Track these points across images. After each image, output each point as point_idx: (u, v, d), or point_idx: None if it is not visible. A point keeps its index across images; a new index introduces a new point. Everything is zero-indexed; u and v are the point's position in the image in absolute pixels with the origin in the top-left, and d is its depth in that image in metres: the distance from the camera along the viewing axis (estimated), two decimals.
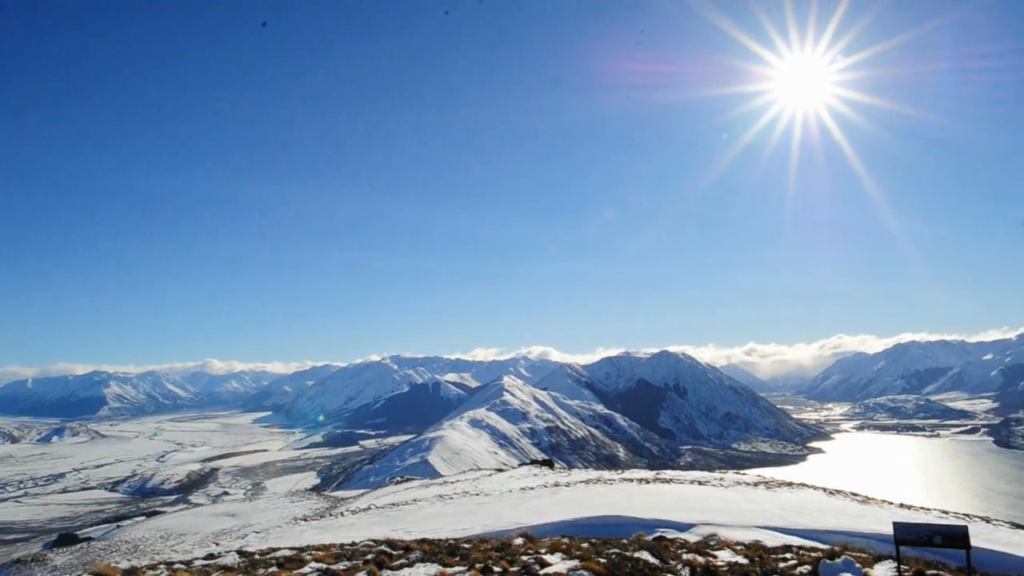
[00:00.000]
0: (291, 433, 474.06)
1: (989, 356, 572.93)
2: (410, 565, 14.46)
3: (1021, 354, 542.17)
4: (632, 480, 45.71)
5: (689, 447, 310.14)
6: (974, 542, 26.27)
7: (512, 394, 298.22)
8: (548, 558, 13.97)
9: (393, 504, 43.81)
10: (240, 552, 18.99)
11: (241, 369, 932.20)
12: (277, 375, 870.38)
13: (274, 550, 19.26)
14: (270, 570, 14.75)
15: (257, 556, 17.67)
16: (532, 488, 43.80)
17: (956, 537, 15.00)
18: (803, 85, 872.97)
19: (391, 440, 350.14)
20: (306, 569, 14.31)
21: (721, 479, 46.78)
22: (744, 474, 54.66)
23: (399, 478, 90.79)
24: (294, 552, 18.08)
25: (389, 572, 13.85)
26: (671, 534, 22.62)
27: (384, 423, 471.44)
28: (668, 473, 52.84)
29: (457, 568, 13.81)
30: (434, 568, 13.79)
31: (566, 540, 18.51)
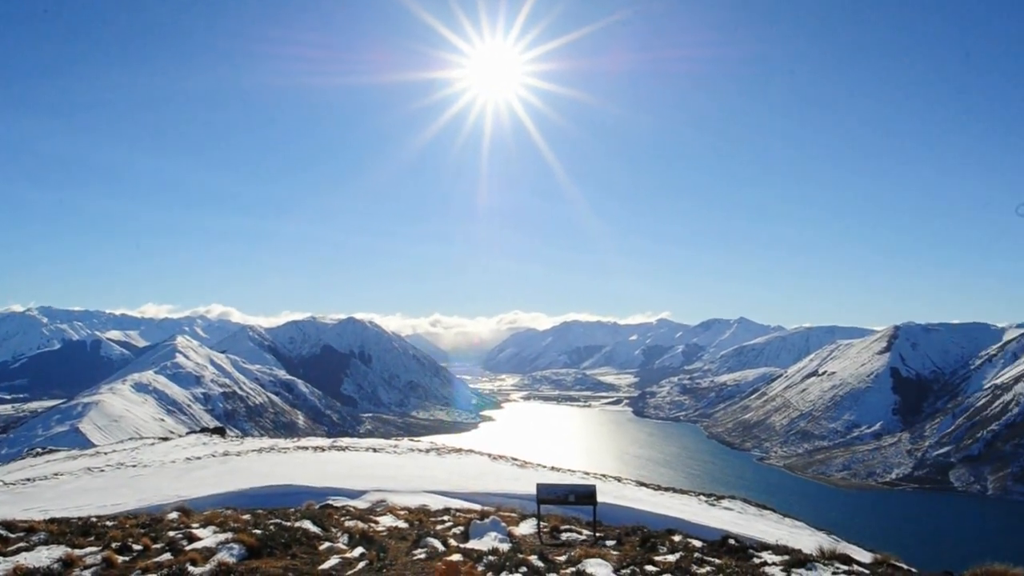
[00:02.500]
0: None
1: (634, 337, 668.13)
2: (30, 549, 12.55)
3: (659, 336, 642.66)
4: (308, 448, 45.04)
5: (370, 415, 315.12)
6: (605, 499, 30.34)
7: (186, 356, 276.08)
8: (199, 532, 13.07)
9: (28, 480, 37.92)
10: None
11: None
12: None
13: None
14: None
15: None
16: (199, 458, 40.99)
17: (586, 495, 17.13)
18: (495, 74, 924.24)
19: (33, 405, 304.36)
20: None
21: (396, 446, 48.14)
22: (418, 441, 56.86)
23: (40, 449, 78.92)
24: None
25: (1, 559, 11.87)
26: (341, 502, 22.70)
27: (26, 385, 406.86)
28: (345, 441, 53.00)
29: (89, 549, 12.30)
30: (60, 550, 12.12)
31: (227, 512, 17.56)
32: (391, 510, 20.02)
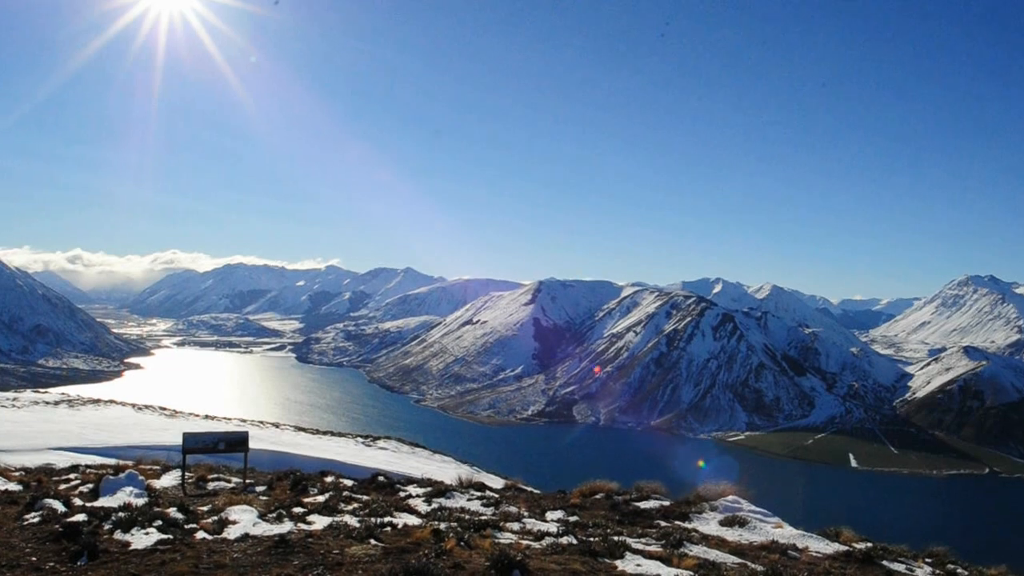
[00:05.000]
0: None
1: (302, 282, 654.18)
2: None
3: (327, 282, 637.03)
4: None
5: None
6: (260, 445, 29.75)
7: None
8: None
9: None
10: None
11: None
12: None
13: None
14: None
15: None
16: None
17: (238, 442, 16.67)
18: None
19: None
20: None
21: (15, 399, 41.66)
22: (46, 392, 49.98)
23: None
24: None
25: None
26: None
27: None
28: None
29: None
30: None
31: None
32: (5, 472, 17.37)
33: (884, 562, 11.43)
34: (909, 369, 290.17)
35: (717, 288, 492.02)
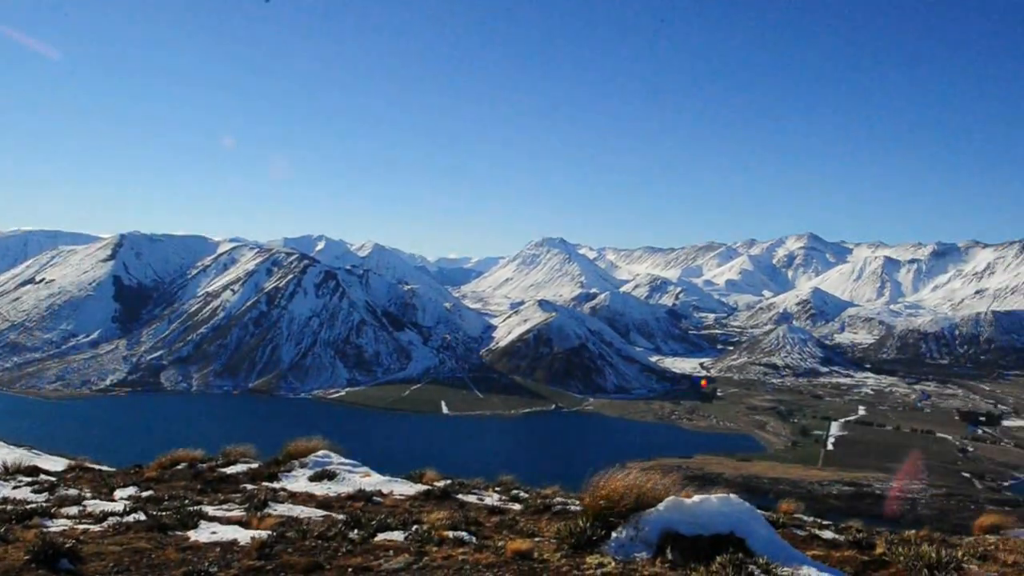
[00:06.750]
0: None
1: None
2: None
3: None
4: None
5: None
6: None
7: None
8: None
9: None
10: None
11: None
12: None
13: None
14: None
15: None
16: None
17: None
18: None
19: None
20: None
21: None
22: None
23: None
24: None
25: None
26: None
27: None
28: None
29: None
30: None
31: None
32: None
33: (459, 495, 12.66)
34: (494, 321, 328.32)
35: (320, 245, 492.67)
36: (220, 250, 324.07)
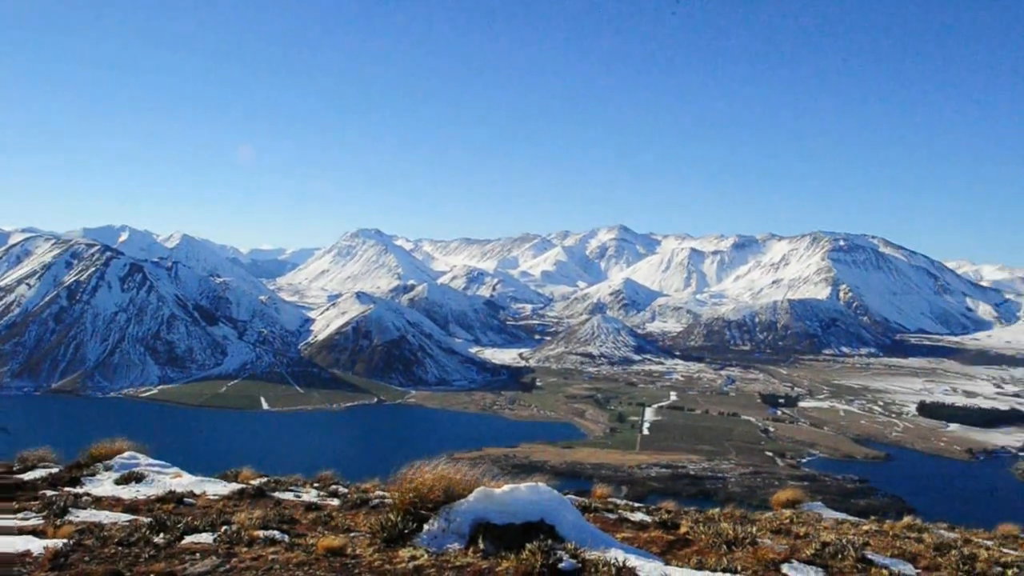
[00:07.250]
0: None
1: None
2: None
3: None
4: None
5: None
6: None
7: None
8: None
9: None
10: None
11: None
12: None
13: None
14: None
15: None
16: None
17: None
18: None
19: None
20: None
21: None
22: None
23: None
24: None
25: None
26: None
27: None
28: None
29: None
30: None
31: None
32: None
33: (276, 493, 12.27)
34: (312, 314, 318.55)
35: (124, 236, 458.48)
36: (11, 241, 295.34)
